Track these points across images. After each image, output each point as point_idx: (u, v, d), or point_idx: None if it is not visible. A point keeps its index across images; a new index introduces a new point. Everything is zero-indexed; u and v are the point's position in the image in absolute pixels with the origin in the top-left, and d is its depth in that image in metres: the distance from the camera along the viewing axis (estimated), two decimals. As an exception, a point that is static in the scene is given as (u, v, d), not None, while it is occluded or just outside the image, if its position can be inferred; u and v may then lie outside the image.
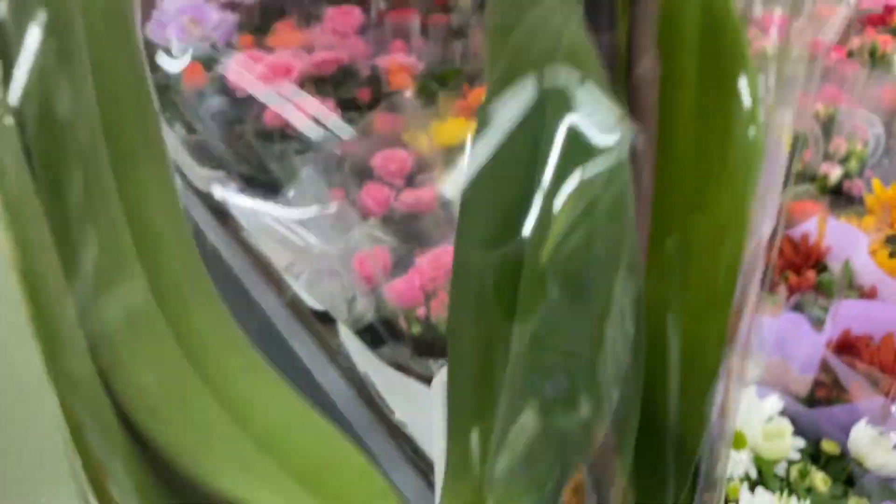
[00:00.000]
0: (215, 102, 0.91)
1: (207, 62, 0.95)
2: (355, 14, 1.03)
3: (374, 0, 1.06)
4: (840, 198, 0.77)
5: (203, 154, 1.06)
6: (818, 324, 0.57)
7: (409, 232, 0.71)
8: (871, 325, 0.56)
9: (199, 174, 1.08)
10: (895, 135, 0.86)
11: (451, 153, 0.78)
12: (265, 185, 0.86)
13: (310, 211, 0.70)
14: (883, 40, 1.07)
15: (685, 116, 0.17)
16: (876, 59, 1.04)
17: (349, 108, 0.89)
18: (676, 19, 0.17)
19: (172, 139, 1.09)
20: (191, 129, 1.02)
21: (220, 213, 1.01)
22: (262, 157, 0.84)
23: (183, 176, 1.09)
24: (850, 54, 1.05)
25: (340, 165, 0.77)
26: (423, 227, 0.71)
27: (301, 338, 0.80)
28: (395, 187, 0.76)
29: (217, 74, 0.93)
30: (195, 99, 0.93)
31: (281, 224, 0.69)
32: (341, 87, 0.91)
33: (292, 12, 1.02)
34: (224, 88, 0.92)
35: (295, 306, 0.81)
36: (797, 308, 0.58)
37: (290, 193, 0.75)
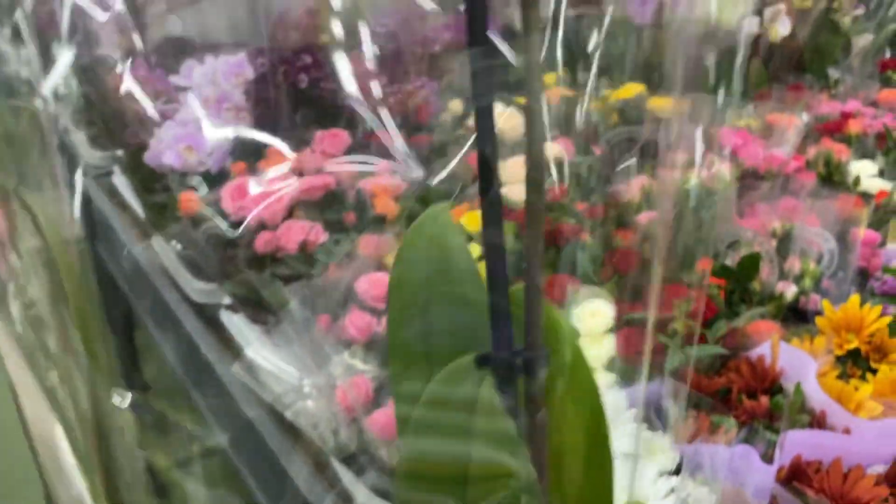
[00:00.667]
0: (209, 227, 0.97)
1: (202, 188, 1.01)
2: (342, 137, 1.10)
3: (360, 121, 1.13)
4: (797, 315, 0.82)
5: (198, 268, 1.11)
6: (770, 448, 0.61)
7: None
8: (819, 452, 0.60)
9: (195, 287, 1.13)
10: (849, 247, 0.91)
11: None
12: (256, 306, 0.91)
13: (295, 342, 0.74)
14: (838, 149, 1.13)
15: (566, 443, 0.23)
16: (831, 168, 1.11)
17: (336, 231, 0.94)
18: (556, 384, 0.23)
19: (169, 253, 1.15)
20: (186, 247, 1.07)
21: (215, 325, 1.06)
22: (253, 282, 0.89)
23: (178, 288, 1.14)
24: (807, 164, 1.12)
25: (326, 292, 0.81)
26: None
27: (288, 450, 0.83)
28: (377, 312, 0.80)
29: (211, 200, 0.99)
30: (190, 224, 0.98)
31: (267, 357, 0.74)
32: (329, 210, 0.97)
33: (284, 137, 1.08)
34: (218, 213, 0.97)
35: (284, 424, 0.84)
36: (750, 435, 0.62)
37: (279, 323, 0.79)
